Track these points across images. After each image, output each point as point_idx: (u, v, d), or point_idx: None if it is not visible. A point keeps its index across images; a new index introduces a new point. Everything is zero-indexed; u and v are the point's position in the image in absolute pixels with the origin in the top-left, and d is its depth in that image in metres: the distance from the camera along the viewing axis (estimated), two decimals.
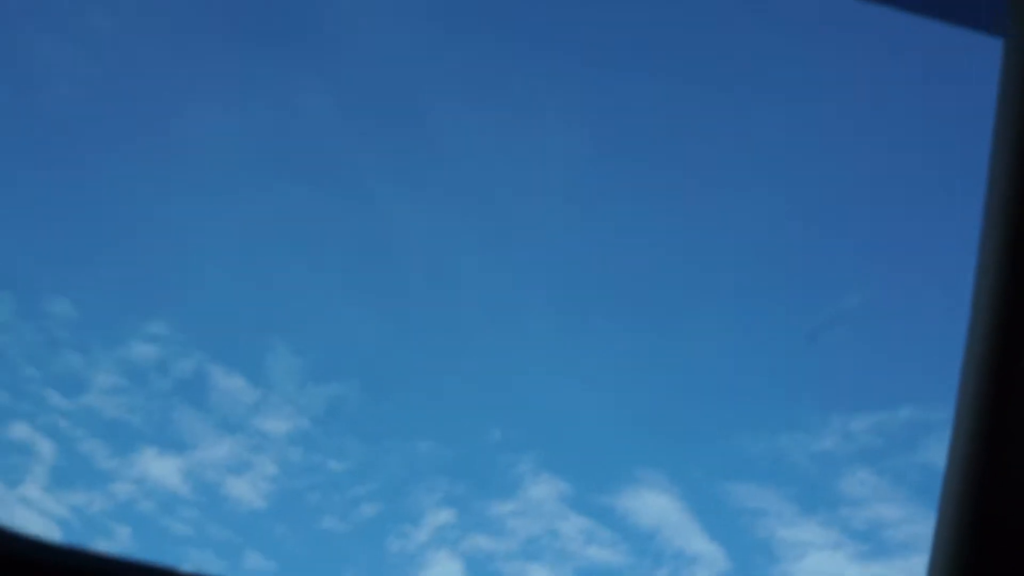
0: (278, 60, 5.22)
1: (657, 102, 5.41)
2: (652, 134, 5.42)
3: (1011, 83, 1.02)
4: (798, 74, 5.10)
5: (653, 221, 5.47)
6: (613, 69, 5.39)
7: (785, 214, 5.26)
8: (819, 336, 5.27)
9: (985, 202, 0.99)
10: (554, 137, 5.32)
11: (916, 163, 5.11)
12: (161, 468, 4.72)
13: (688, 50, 5.30)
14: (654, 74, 5.38)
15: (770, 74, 5.19)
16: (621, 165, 5.46)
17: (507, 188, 5.38)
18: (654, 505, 5.04)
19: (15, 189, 5.05)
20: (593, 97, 5.40)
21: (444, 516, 4.91)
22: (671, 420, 5.37)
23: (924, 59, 4.86)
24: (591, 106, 5.39)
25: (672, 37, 5.32)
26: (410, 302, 5.34)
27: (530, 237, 5.41)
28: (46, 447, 4.62)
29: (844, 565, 4.86)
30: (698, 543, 4.98)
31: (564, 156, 5.35)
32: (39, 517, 4.58)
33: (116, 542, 4.72)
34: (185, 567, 1.01)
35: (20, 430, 4.62)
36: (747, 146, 5.34)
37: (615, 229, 5.48)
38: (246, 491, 4.78)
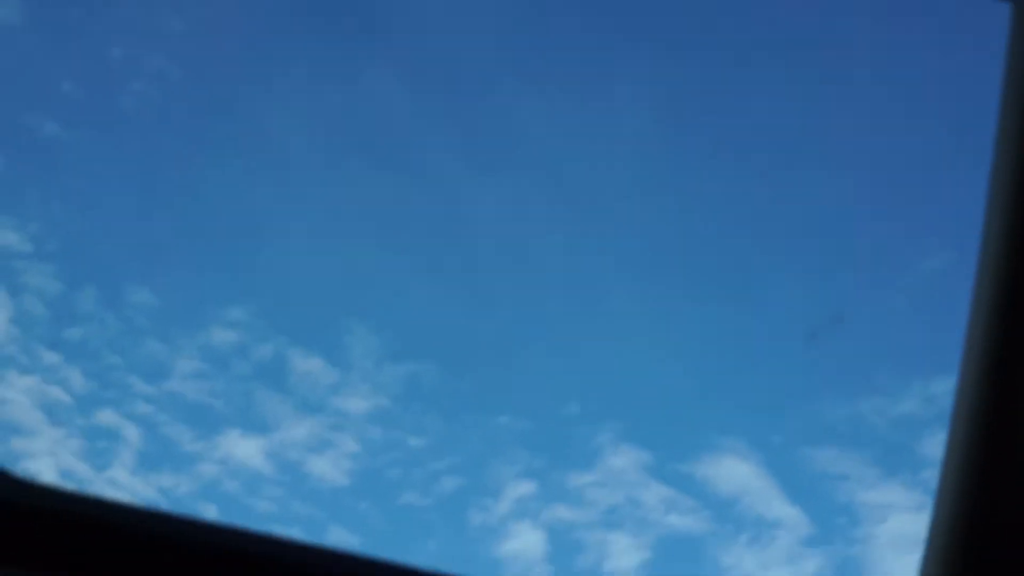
0: (347, 46, 5.27)
1: (724, 77, 5.39)
2: (721, 109, 5.40)
3: (1019, 49, 1.02)
4: (845, 55, 5.06)
5: (724, 193, 5.45)
6: (679, 45, 5.38)
7: (857, 183, 5.23)
8: (819, 336, 5.26)
9: (990, 178, 1.00)
10: (623, 112, 5.33)
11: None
12: (244, 449, 4.81)
13: (749, 28, 5.27)
14: (720, 50, 5.36)
15: (816, 54, 5.16)
16: (690, 139, 5.45)
17: (579, 164, 5.39)
18: (734, 472, 5.04)
19: (94, 184, 5.16)
20: (661, 72, 5.39)
21: (524, 488, 4.95)
22: (750, 388, 5.37)
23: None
24: (659, 81, 5.38)
25: (731, 14, 5.29)
26: (485, 280, 5.38)
27: (603, 212, 5.43)
28: (132, 432, 4.73)
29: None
30: (779, 508, 4.98)
31: (634, 131, 5.36)
32: (127, 497, 4.69)
33: None
34: None
35: (106, 416, 4.74)
36: (809, 123, 5.31)
37: (687, 201, 5.47)
38: (328, 469, 4.86)
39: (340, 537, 4.87)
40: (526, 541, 4.88)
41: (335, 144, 5.29)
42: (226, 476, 4.80)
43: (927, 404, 5.03)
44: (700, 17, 5.36)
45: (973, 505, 0.99)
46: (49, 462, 4.64)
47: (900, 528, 4.87)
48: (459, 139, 5.34)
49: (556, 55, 5.38)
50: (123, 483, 4.74)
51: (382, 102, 5.25)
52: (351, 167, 5.28)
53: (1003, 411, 0.99)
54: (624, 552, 4.93)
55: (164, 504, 4.74)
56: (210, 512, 4.79)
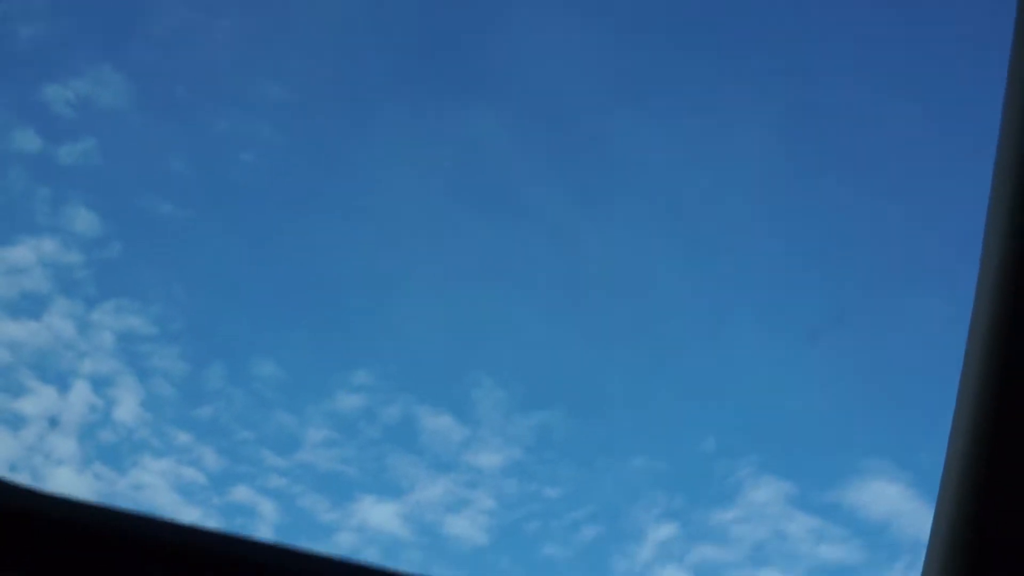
0: (450, 94, 5.27)
1: (846, 98, 5.27)
2: (842, 120, 5.28)
3: None
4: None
5: (852, 208, 5.31)
6: (797, 67, 5.27)
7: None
8: (819, 336, 5.08)
9: (993, 181, 0.93)
10: (741, 138, 5.23)
11: None
12: (380, 514, 4.80)
13: (864, 38, 5.15)
14: (840, 73, 5.25)
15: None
16: (812, 161, 5.33)
17: (697, 195, 5.30)
18: (884, 495, 4.87)
19: (211, 259, 5.23)
20: (778, 95, 5.29)
21: (666, 531, 4.85)
22: (894, 405, 5.20)
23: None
24: (774, 93, 5.28)
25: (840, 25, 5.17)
26: (609, 322, 5.31)
27: (725, 244, 5.32)
28: (268, 506, 4.76)
29: None
30: None
31: (750, 149, 5.25)
32: None
33: None
34: None
35: (241, 493, 4.77)
36: (941, 132, 5.15)
37: (812, 219, 5.34)
38: (466, 528, 4.82)
39: None
40: None
41: (447, 194, 5.29)
42: (364, 543, 4.80)
43: None
44: (809, 28, 5.25)
45: (974, 514, 0.93)
46: None
47: None
48: (572, 179, 5.30)
49: (665, 79, 5.31)
50: None
51: (491, 147, 5.24)
52: (465, 217, 5.27)
53: (1003, 419, 0.93)
54: None
55: None
56: None
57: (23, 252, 4.89)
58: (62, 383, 4.81)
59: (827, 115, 5.32)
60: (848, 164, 5.34)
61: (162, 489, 4.70)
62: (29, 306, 4.89)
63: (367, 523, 4.80)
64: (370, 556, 4.75)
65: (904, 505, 4.87)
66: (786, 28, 5.40)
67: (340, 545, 4.74)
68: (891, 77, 5.26)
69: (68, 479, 4.69)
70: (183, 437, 4.83)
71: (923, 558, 0.98)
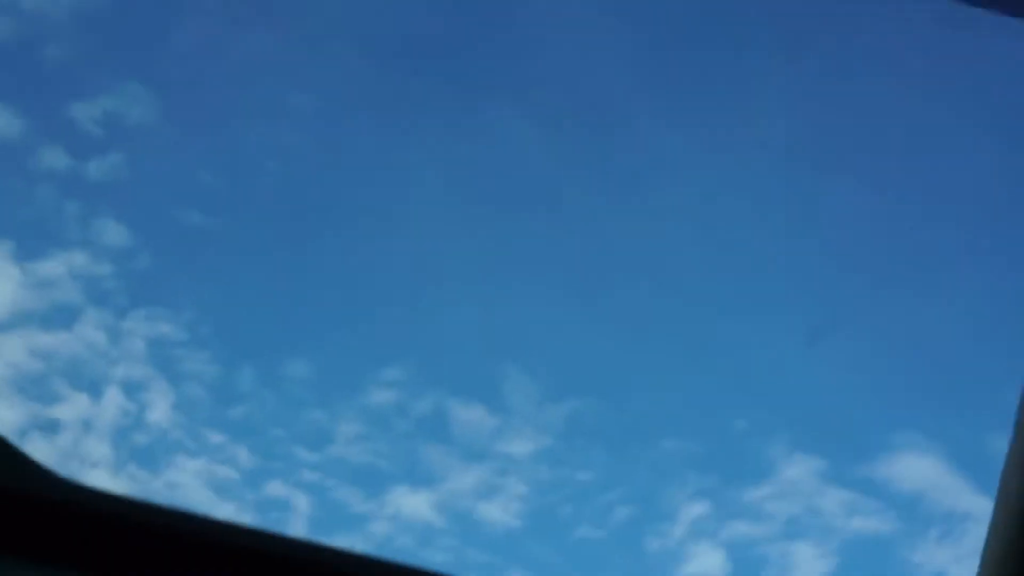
0: (473, 95, 5.35)
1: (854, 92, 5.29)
2: (853, 120, 5.30)
3: None
4: None
5: (886, 181, 5.33)
6: (809, 59, 5.31)
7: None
8: (817, 339, 5.10)
9: None
10: (762, 129, 5.27)
11: None
12: (413, 504, 4.84)
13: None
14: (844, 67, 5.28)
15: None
16: (821, 150, 5.36)
17: (721, 186, 5.34)
18: (916, 468, 4.86)
19: (241, 265, 5.32)
20: (789, 88, 5.33)
21: (699, 509, 4.86)
22: (923, 377, 5.19)
23: None
24: (789, 97, 5.32)
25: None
26: (634, 310, 5.34)
27: (747, 234, 5.35)
28: (302, 500, 4.81)
29: None
30: (969, 500, 4.78)
31: (770, 148, 5.29)
32: None
33: None
34: None
35: (275, 488, 4.83)
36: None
37: (845, 194, 5.36)
38: (499, 514, 4.85)
39: None
40: (707, 562, 4.78)
41: (471, 191, 5.35)
42: (398, 532, 4.84)
43: None
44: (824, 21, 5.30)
45: None
46: None
47: None
48: (595, 172, 5.35)
49: (686, 73, 5.36)
50: None
51: (514, 144, 5.30)
52: (489, 212, 5.33)
53: None
54: (810, 561, 4.79)
55: None
56: None
57: (54, 266, 4.99)
58: (95, 390, 4.89)
59: (842, 110, 5.35)
60: (873, 146, 5.37)
61: (196, 488, 4.76)
62: (61, 317, 4.98)
63: (400, 513, 4.84)
64: (404, 544, 4.80)
65: (936, 477, 4.85)
66: (805, 26, 5.44)
67: (374, 535, 4.79)
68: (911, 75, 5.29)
69: (103, 481, 4.76)
70: (216, 437, 4.90)
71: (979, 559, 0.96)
